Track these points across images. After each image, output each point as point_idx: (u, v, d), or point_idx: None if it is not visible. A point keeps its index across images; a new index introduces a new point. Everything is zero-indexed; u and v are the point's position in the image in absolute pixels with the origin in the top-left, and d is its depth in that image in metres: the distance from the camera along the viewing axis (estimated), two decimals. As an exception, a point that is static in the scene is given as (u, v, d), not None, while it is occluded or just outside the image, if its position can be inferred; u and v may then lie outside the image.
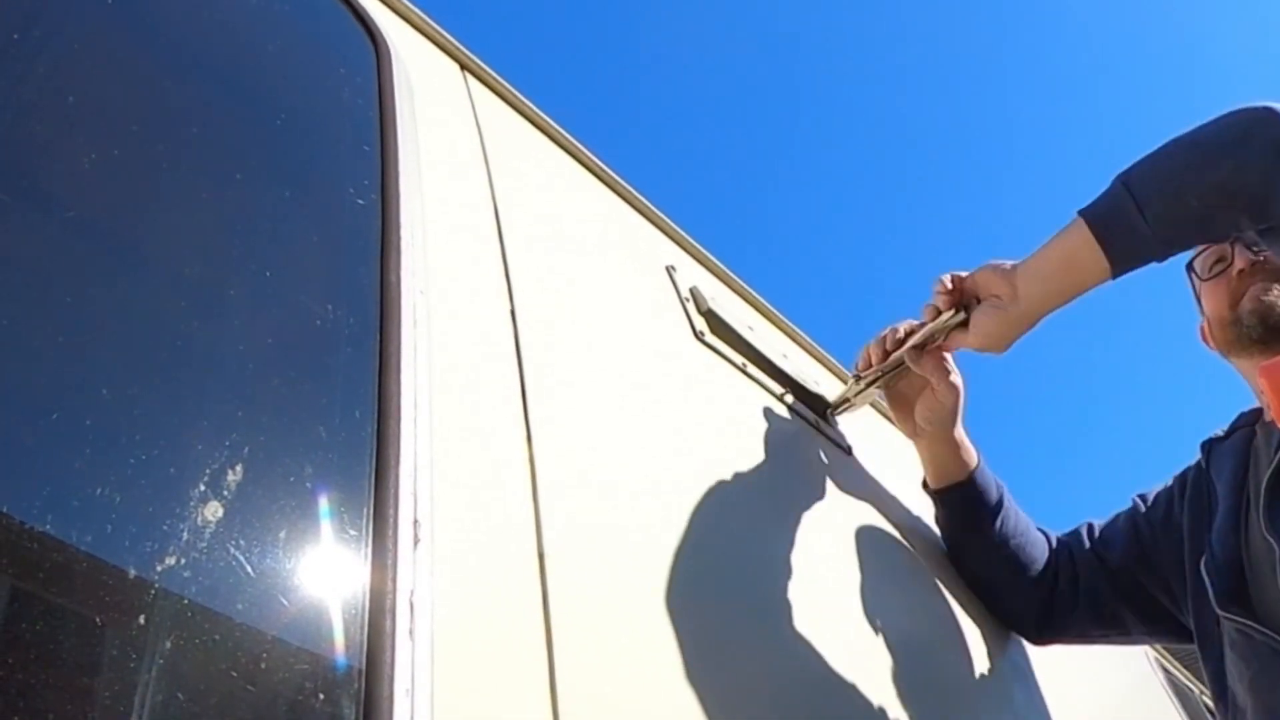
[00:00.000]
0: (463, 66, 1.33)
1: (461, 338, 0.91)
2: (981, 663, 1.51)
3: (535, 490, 0.85)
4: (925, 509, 1.67)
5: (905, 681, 1.26)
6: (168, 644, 0.62)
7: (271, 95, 1.07)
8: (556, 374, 1.01)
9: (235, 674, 0.65)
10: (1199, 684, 2.84)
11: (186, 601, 0.64)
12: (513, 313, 1.00)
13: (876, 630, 1.27)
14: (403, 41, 1.18)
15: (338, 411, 0.77)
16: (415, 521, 0.69)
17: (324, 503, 0.71)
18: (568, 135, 1.46)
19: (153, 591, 0.63)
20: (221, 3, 1.08)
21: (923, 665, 1.34)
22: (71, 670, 0.60)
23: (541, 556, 0.80)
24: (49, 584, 0.61)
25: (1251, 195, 1.12)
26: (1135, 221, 1.19)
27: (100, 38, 0.88)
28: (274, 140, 1.03)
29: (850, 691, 1.12)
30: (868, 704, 1.14)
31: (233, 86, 1.03)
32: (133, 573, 0.63)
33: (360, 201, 0.94)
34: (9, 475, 0.62)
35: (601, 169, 1.50)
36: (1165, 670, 2.58)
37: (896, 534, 1.53)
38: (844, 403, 1.56)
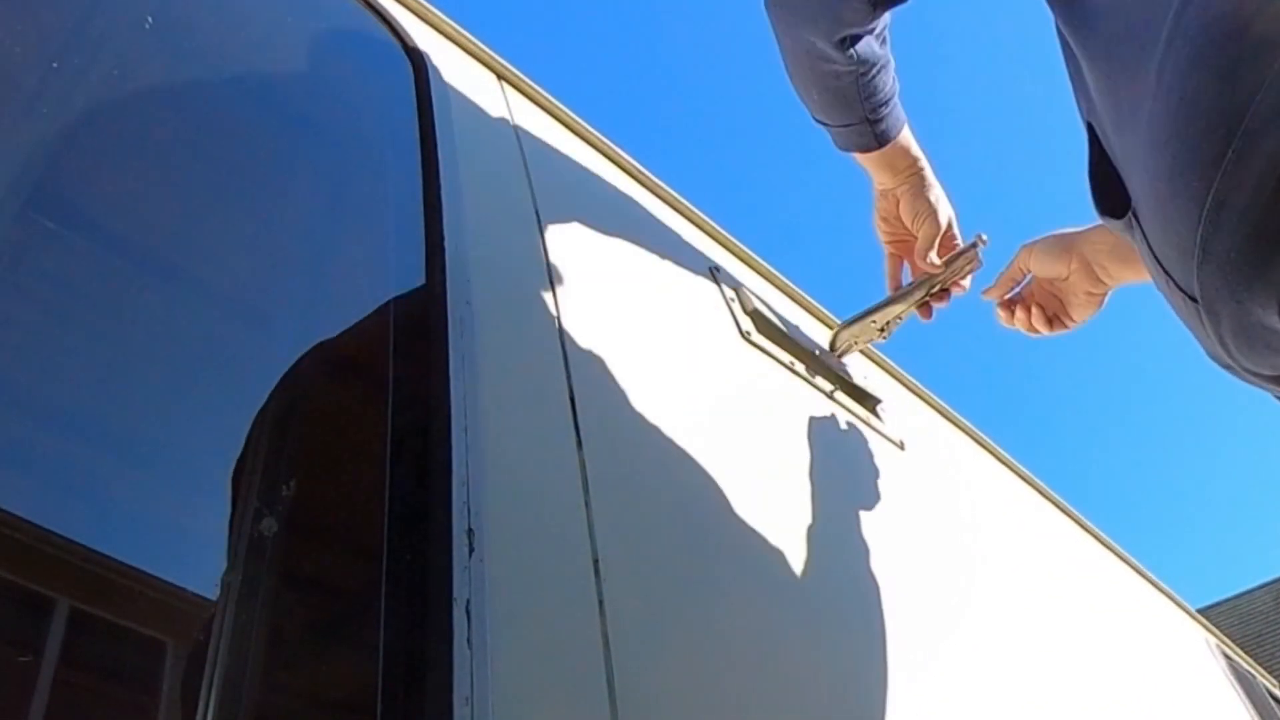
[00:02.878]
0: (499, 76, 1.33)
1: (508, 347, 0.91)
2: (1040, 655, 1.48)
3: (587, 496, 0.85)
4: (981, 503, 1.65)
5: (962, 677, 1.24)
6: (226, 650, 0.63)
7: (315, 116, 1.09)
8: (604, 379, 1.01)
9: (295, 682, 0.65)
10: (1260, 670, 2.79)
11: (246, 612, 0.65)
12: (558, 319, 1.00)
13: (933, 627, 1.26)
14: (439, 54, 1.19)
15: (388, 425, 0.78)
16: (469, 531, 0.70)
17: (378, 515, 0.71)
18: (606, 140, 1.46)
19: (213, 600, 0.64)
20: (262, 29, 1.09)
21: (980, 660, 1.32)
22: (133, 673, 0.61)
23: (596, 563, 0.80)
24: (106, 592, 0.62)
25: None
26: None
27: (161, 72, 0.90)
28: (319, 160, 1.04)
29: (907, 689, 1.11)
30: (924, 701, 1.13)
31: (274, 109, 1.04)
32: (193, 581, 0.64)
33: (404, 216, 0.95)
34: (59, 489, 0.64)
35: (641, 172, 1.50)
36: (1227, 657, 2.54)
37: (952, 530, 1.51)
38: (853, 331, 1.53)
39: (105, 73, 0.83)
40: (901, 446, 1.54)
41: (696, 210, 1.56)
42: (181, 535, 0.70)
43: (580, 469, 0.87)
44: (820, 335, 1.57)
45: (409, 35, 1.15)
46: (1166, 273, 0.85)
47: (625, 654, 0.76)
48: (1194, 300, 0.82)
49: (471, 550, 0.69)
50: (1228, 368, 0.89)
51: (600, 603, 0.78)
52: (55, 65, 0.77)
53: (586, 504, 0.84)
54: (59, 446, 0.69)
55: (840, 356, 1.53)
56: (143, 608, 0.64)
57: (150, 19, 0.90)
